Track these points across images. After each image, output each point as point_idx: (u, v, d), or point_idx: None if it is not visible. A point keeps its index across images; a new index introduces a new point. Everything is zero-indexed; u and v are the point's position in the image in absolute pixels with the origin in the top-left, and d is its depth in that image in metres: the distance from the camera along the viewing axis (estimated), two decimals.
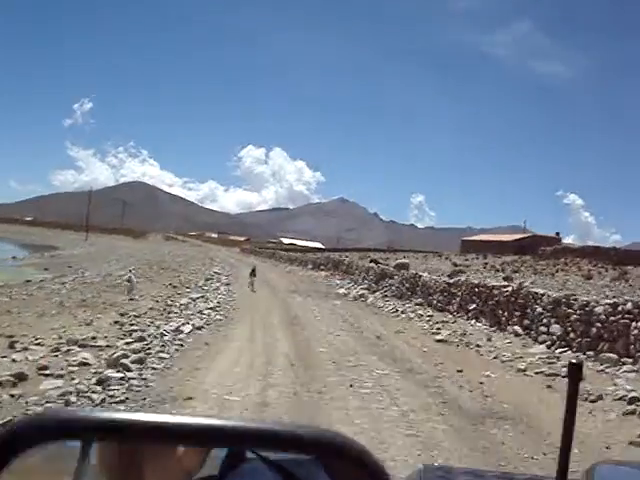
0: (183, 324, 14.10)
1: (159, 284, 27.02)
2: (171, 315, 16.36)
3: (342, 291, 29.73)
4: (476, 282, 19.16)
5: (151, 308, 17.66)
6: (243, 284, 29.31)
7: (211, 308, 18.42)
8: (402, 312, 21.05)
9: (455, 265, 55.72)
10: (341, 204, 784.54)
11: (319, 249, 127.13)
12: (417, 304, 22.70)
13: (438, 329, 17.00)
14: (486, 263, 59.87)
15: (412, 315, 20.17)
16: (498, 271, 48.85)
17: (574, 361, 1.15)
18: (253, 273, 29.77)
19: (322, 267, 44.74)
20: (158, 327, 13.53)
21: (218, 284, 28.27)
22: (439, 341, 14.92)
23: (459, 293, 19.78)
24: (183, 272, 36.91)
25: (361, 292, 27.61)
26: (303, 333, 15.07)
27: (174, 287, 26.10)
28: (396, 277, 27.08)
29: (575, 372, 1.13)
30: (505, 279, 37.34)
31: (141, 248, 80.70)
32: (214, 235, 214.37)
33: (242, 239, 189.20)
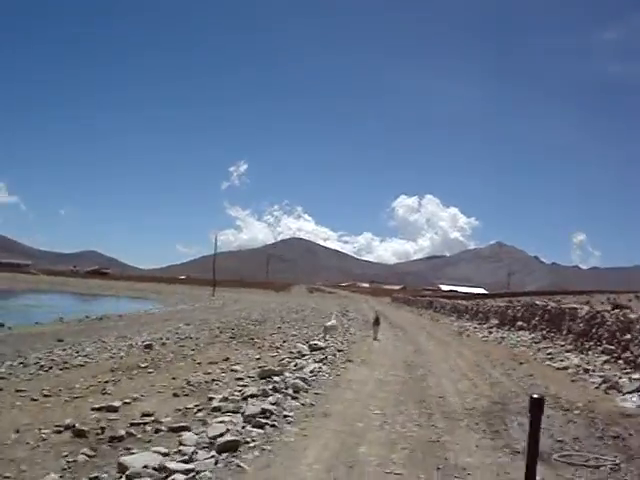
0: None
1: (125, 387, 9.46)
2: None
3: None
4: None
5: None
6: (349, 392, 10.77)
7: None
8: None
9: None
10: (498, 248, 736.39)
11: (483, 295, 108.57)
12: None
13: None
14: None
15: None
16: None
17: (535, 396, 1.22)
18: (377, 322, 24.28)
19: (522, 324, 24.61)
20: None
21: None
22: None
23: None
24: (253, 345, 19.76)
25: None
26: None
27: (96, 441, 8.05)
28: None
29: (536, 406, 1.19)
30: None
31: (267, 302, 66.59)
32: (365, 285, 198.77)
33: (396, 288, 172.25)
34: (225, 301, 70.45)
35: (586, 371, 13.94)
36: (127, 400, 10.13)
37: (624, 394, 11.11)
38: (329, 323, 23.49)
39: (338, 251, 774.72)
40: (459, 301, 46.83)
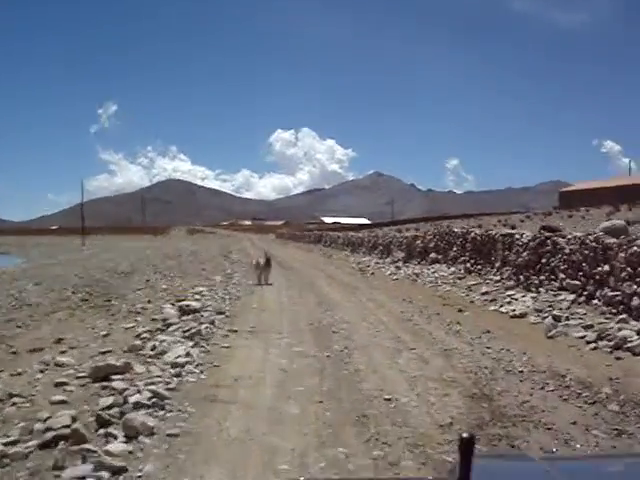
0: None
1: None
2: None
3: None
4: None
5: None
6: None
7: None
8: None
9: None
10: (376, 178, 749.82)
11: (366, 225, 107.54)
12: None
13: None
14: None
15: None
16: None
17: (465, 435, 1.03)
18: (268, 263, 18.96)
19: (435, 256, 21.04)
20: None
21: None
22: None
23: None
24: (107, 310, 15.04)
25: None
26: None
27: None
28: None
29: (466, 446, 1.02)
30: None
31: (142, 248, 60.36)
32: (247, 222, 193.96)
33: (279, 223, 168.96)
34: (95, 251, 63.54)
35: (556, 319, 10.25)
36: None
37: None
38: (262, 260, 18.97)
39: (217, 190, 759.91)
40: (351, 233, 43.28)
